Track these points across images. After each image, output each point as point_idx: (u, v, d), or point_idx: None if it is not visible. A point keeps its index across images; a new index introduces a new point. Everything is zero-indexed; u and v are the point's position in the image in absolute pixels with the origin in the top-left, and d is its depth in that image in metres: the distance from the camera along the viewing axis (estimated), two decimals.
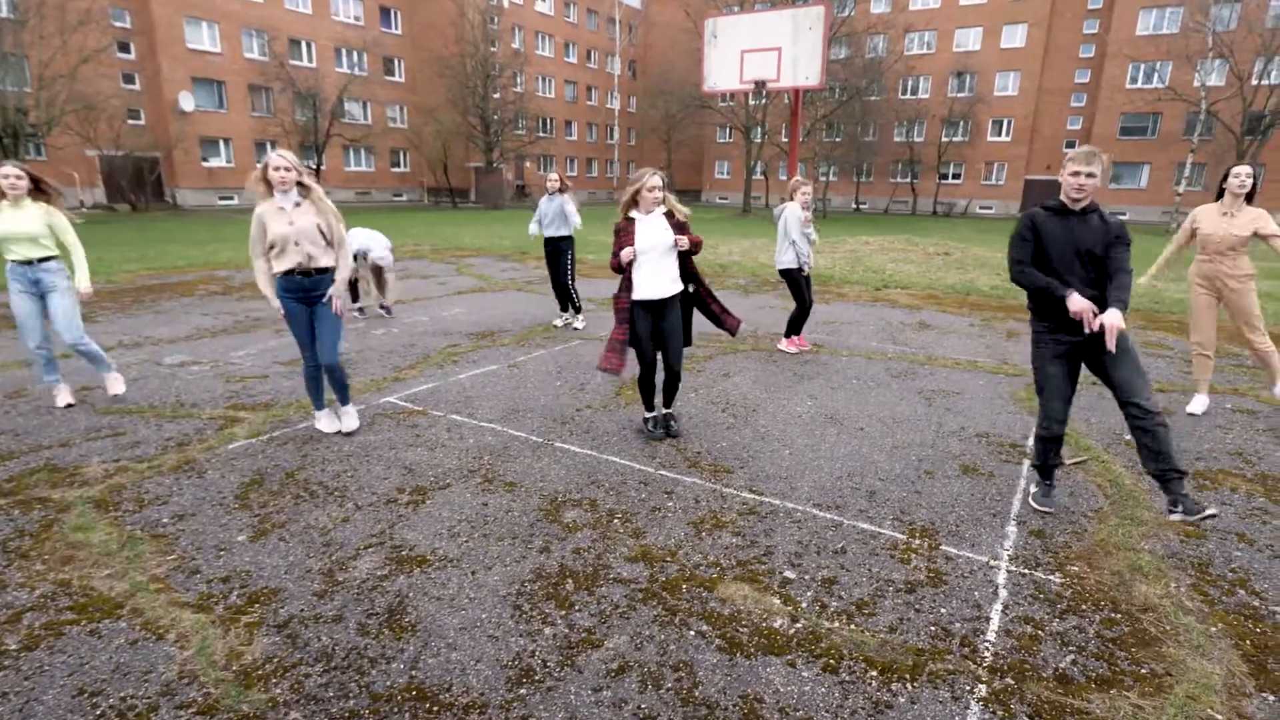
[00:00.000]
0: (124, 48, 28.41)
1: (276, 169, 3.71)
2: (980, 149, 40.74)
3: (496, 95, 36.17)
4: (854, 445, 4.10)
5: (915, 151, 40.54)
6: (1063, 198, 3.03)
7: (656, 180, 3.91)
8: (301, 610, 2.51)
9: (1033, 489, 3.46)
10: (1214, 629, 2.44)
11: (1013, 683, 2.16)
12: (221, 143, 31.58)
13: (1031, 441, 3.40)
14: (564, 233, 6.99)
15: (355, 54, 35.33)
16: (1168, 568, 2.83)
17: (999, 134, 40.33)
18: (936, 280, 11.09)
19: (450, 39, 35.26)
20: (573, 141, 47.36)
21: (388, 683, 2.15)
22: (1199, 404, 4.88)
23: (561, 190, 6.94)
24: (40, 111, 22.08)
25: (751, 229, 23.72)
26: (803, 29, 8.11)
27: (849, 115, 37.11)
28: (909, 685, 2.15)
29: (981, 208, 41.44)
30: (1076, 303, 2.90)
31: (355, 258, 7.48)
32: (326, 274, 3.93)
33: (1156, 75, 33.31)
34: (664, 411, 4.30)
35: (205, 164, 31.05)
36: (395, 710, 2.04)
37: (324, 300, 3.95)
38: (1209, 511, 2.84)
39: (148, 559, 2.85)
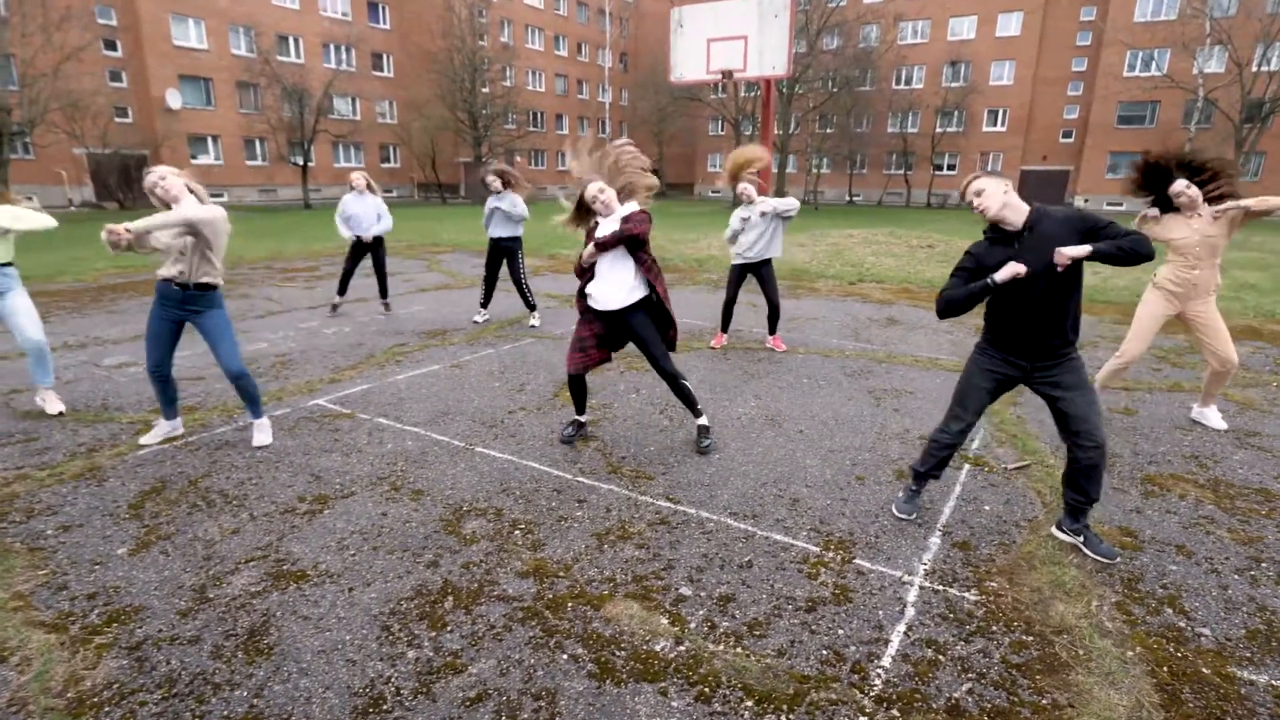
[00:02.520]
0: (110, 45, 28.18)
1: (154, 187, 3.52)
2: (975, 140, 40.40)
3: (485, 90, 35.87)
4: (788, 449, 3.93)
5: (909, 143, 40.23)
6: None
7: (593, 190, 3.58)
8: (160, 630, 2.35)
9: (900, 494, 3.28)
10: (1131, 653, 2.28)
11: (898, 715, 2.00)
12: (210, 140, 31.38)
13: (929, 442, 3.09)
14: (514, 233, 6.82)
15: (343, 49, 35.04)
16: (1094, 584, 2.67)
17: (994, 124, 39.98)
18: (915, 274, 10.89)
19: (437, 33, 34.96)
20: (563, 135, 47.04)
21: (225, 712, 2.00)
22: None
23: (507, 186, 6.71)
24: (24, 110, 21.89)
25: None
26: (768, 17, 7.89)
27: (839, 106, 36.78)
28: (785, 717, 1.98)
29: None
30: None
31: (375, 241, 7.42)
32: (208, 292, 3.73)
33: (1154, 63, 32.97)
34: (698, 423, 3.94)
35: (194, 161, 30.81)
36: None
37: (209, 312, 3.76)
38: (1111, 559, 2.80)
39: (17, 574, 2.69)
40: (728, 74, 8.45)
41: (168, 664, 2.20)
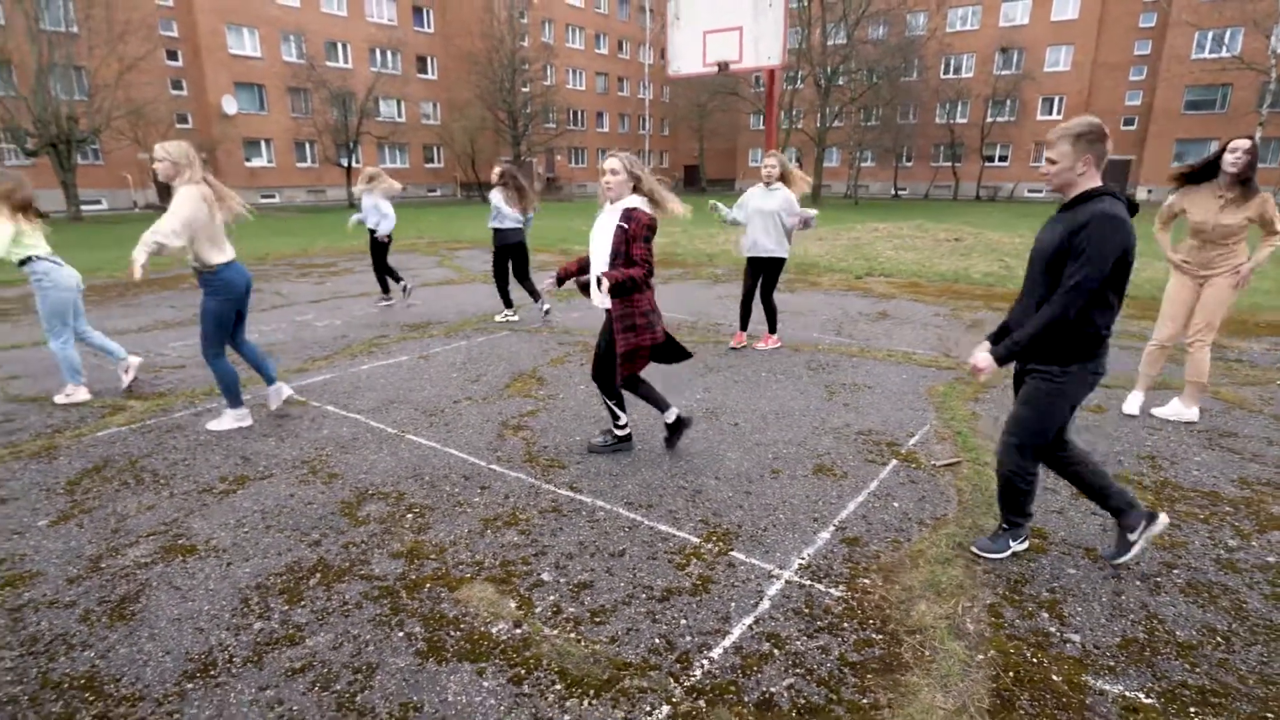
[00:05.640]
0: (172, 55, 29.78)
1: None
2: (1028, 129, 38.70)
3: (525, 89, 36.33)
4: (713, 442, 3.88)
5: (957, 134, 38.82)
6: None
7: (614, 162, 3.28)
8: (45, 595, 2.50)
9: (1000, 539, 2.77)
10: (981, 657, 2.17)
11: (704, 705, 1.96)
12: (263, 143, 32.79)
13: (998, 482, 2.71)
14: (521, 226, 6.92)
15: (389, 54, 36.06)
16: (973, 584, 2.55)
17: (1049, 112, 38.18)
18: (929, 268, 10.53)
19: (478, 35, 35.61)
20: (603, 133, 47.27)
21: (67, 670, 2.12)
22: (1134, 402, 4.42)
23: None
24: (89, 118, 23.35)
25: None
26: (763, 7, 7.75)
27: (879, 97, 35.71)
28: (587, 701, 1.97)
29: (1030, 191, 39.39)
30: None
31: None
32: None
33: (1225, 45, 30.88)
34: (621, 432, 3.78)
35: (248, 164, 32.30)
36: (53, 699, 2.00)
37: None
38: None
39: None
40: (723, 65, 8.35)
41: (38, 625, 2.34)
